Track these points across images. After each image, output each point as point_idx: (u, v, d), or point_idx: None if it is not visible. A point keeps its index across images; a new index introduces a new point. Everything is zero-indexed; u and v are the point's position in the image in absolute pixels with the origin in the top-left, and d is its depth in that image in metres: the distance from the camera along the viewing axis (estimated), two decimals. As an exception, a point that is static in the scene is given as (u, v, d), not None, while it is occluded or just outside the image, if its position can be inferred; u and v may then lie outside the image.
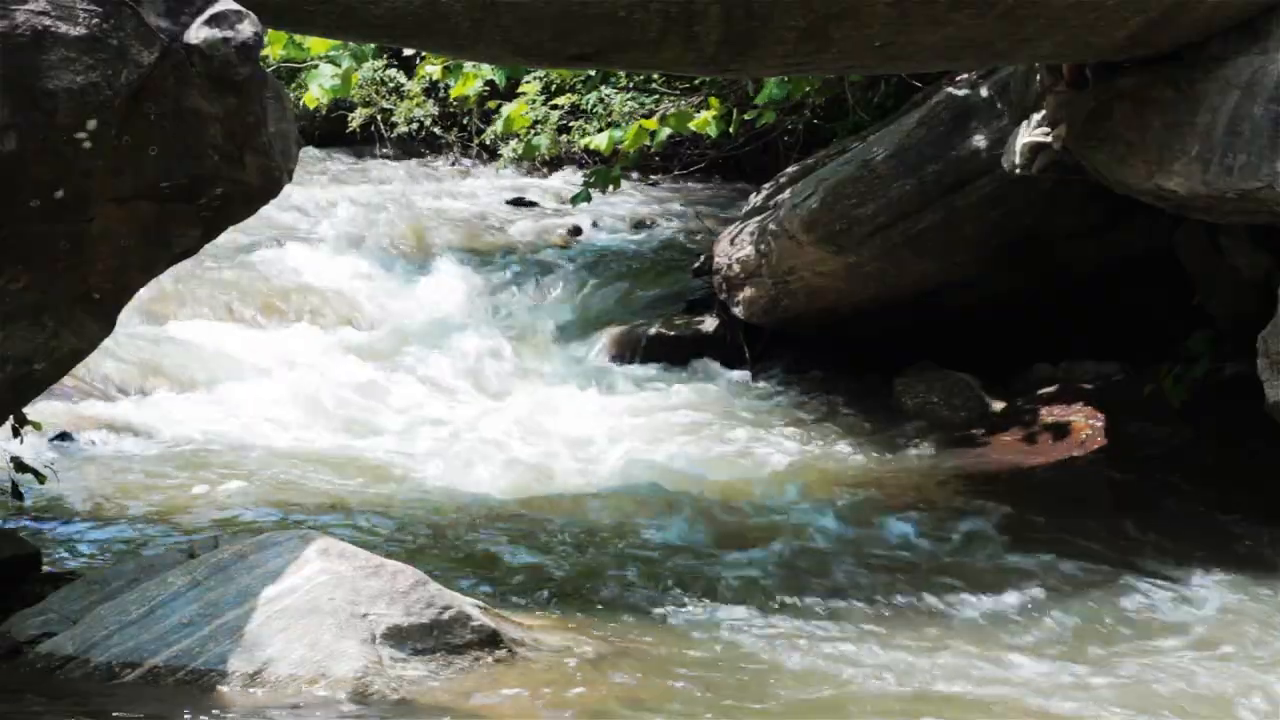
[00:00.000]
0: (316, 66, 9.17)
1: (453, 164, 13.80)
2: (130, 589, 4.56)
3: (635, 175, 12.45)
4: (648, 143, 9.51)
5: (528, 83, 10.63)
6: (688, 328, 9.12)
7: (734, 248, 8.69)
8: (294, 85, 11.39)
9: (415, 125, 13.77)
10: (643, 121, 9.43)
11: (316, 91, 9.13)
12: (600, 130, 11.44)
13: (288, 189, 4.87)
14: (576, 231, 11.12)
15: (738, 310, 8.74)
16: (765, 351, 8.84)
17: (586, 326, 9.39)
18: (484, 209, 11.80)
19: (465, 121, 13.74)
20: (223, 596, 4.42)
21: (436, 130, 13.86)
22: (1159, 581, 5.65)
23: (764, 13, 5.18)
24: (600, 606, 5.22)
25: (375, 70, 13.38)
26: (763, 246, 8.44)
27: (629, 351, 8.97)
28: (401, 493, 6.55)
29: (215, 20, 4.39)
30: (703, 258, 9.48)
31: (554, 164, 12.98)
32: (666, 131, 9.51)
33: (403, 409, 8.02)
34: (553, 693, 4.40)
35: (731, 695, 4.45)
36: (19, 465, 5.87)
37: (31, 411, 5.62)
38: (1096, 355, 7.97)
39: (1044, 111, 6.64)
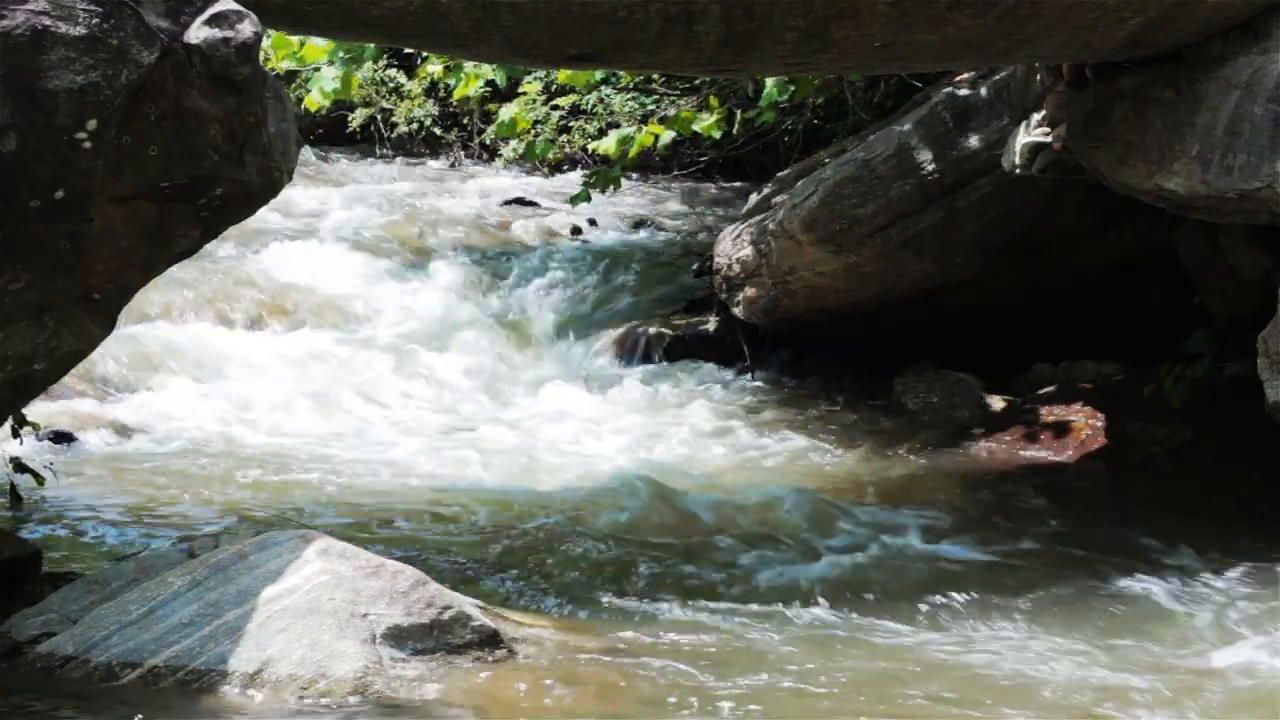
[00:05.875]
0: (318, 68, 9.17)
1: (453, 164, 13.81)
2: (130, 589, 4.56)
3: (635, 175, 12.45)
4: (650, 145, 9.53)
5: (528, 83, 10.64)
6: (688, 328, 9.12)
7: (734, 248, 8.69)
8: (294, 86, 11.40)
9: (415, 125, 13.78)
10: (651, 127, 9.43)
11: (318, 95, 9.13)
12: (601, 130, 11.45)
13: (287, 189, 4.87)
14: (576, 231, 11.13)
15: (738, 310, 8.74)
16: (765, 351, 8.84)
17: (586, 326, 9.39)
18: (484, 209, 11.80)
19: (465, 121, 13.75)
20: (223, 596, 4.42)
21: (436, 130, 13.87)
22: (1159, 582, 5.65)
23: (764, 13, 5.18)
24: (600, 606, 5.22)
25: (375, 70, 13.40)
26: (763, 246, 8.45)
27: (629, 351, 8.98)
28: (401, 492, 6.55)
29: (215, 20, 4.39)
30: (703, 258, 9.48)
31: (554, 164, 12.99)
32: (670, 134, 9.52)
33: (402, 409, 8.02)
34: (553, 693, 4.40)
35: (732, 695, 4.45)
36: (19, 466, 5.88)
37: (31, 411, 5.63)
38: (1096, 355, 7.97)
39: (1044, 111, 6.64)
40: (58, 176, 4.25)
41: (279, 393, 7.94)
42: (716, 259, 8.88)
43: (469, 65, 9.43)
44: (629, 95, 12.04)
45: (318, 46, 8.81)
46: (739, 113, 9.79)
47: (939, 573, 5.75)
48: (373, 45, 9.18)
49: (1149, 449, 7.18)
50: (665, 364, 8.83)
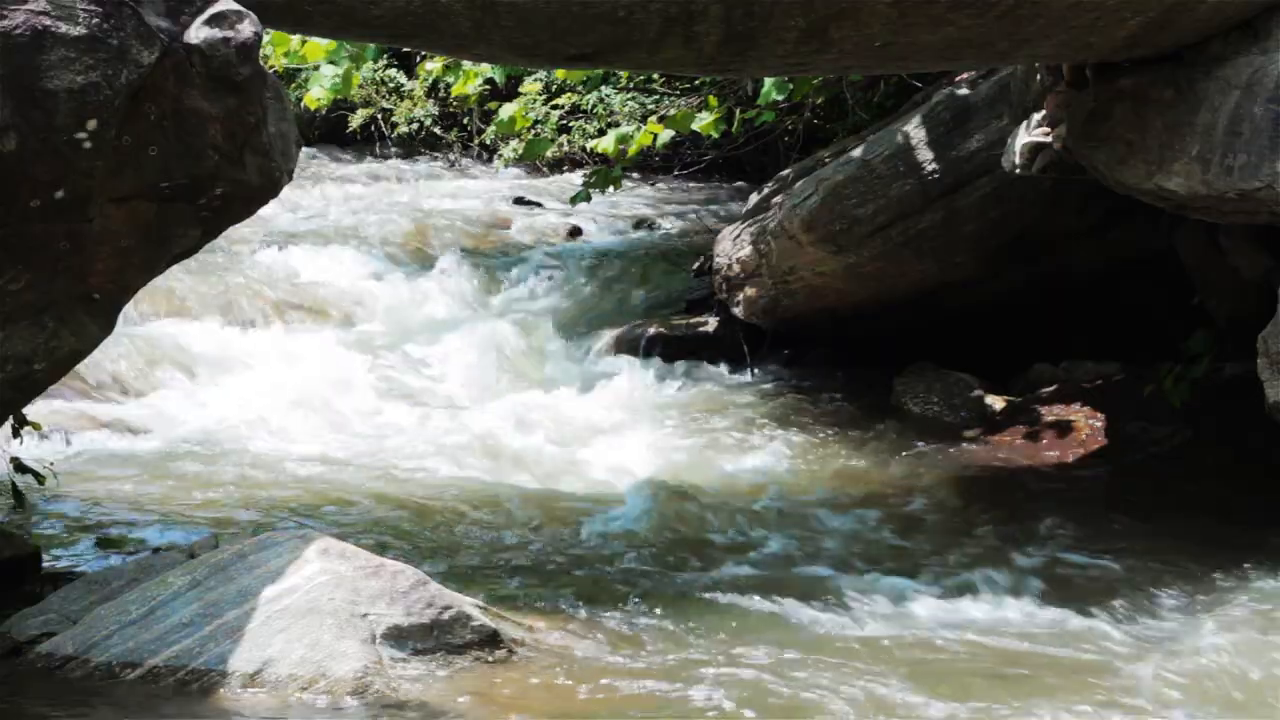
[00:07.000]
0: (318, 68, 9.18)
1: (453, 164, 13.81)
2: (130, 589, 4.56)
3: (635, 175, 12.45)
4: (650, 144, 9.53)
5: (529, 83, 10.64)
6: (688, 328, 9.12)
7: (734, 248, 8.69)
8: (294, 86, 11.40)
9: (415, 125, 13.78)
10: (650, 125, 9.43)
11: (318, 93, 9.14)
12: (601, 130, 11.45)
13: (287, 189, 4.88)
14: (576, 231, 11.13)
15: (738, 310, 8.74)
16: (765, 351, 8.84)
17: (586, 326, 9.39)
18: (484, 209, 11.81)
19: (465, 121, 13.75)
20: (223, 596, 4.42)
21: (436, 130, 13.87)
22: (1158, 582, 5.65)
23: (764, 13, 5.18)
24: (600, 606, 5.22)
25: (375, 70, 13.40)
26: (763, 246, 8.45)
27: (629, 351, 8.97)
28: (402, 492, 6.55)
29: (215, 20, 4.40)
30: (703, 258, 9.48)
31: (554, 164, 13.00)
32: (669, 133, 9.52)
33: (401, 408, 8.01)
34: (552, 693, 4.40)
35: (731, 696, 4.45)
36: (19, 466, 5.88)
37: (32, 411, 5.63)
38: (1096, 355, 7.97)
39: (1044, 111, 6.64)
40: (58, 176, 4.26)
41: (279, 392, 7.93)
42: (716, 259, 8.88)
43: (468, 63, 9.43)
44: (629, 95, 12.05)
45: (319, 45, 8.82)
46: (738, 112, 9.79)
47: (939, 573, 5.75)
48: (373, 45, 9.19)
49: (1149, 449, 7.18)
50: (665, 364, 8.83)
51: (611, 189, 9.65)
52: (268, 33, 5.39)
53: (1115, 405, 7.50)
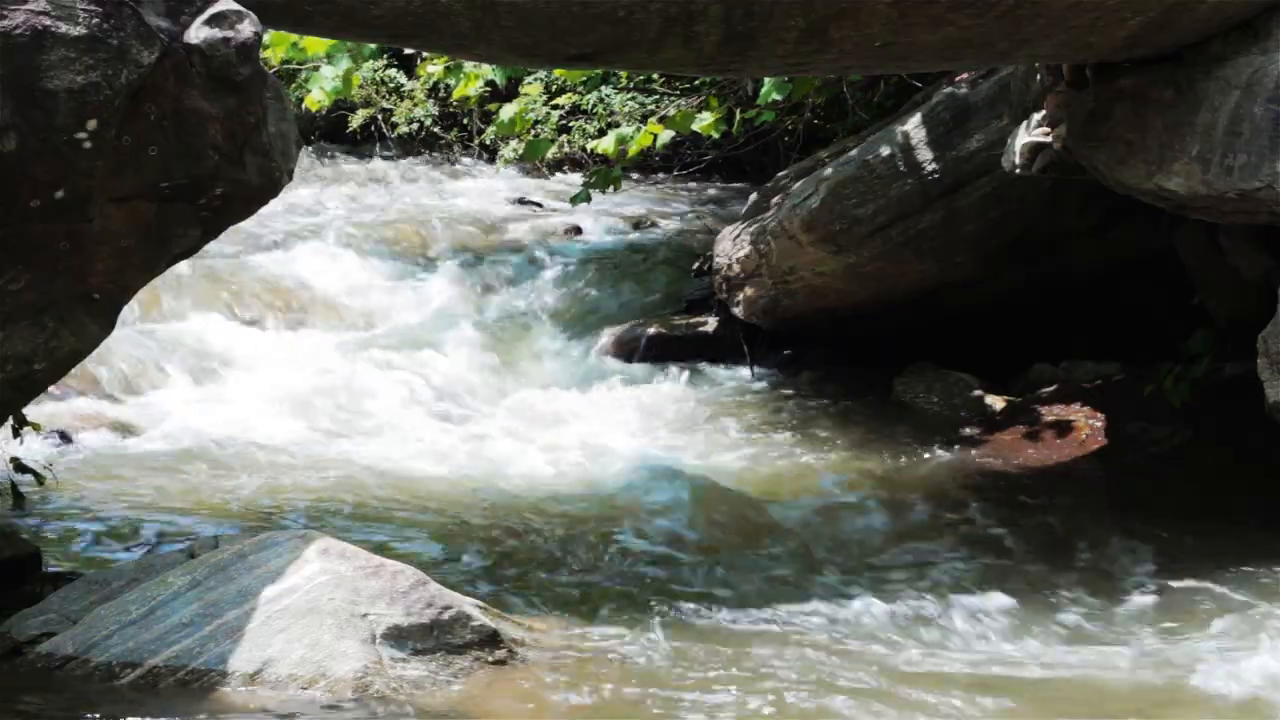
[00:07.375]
0: (318, 68, 9.17)
1: (453, 164, 13.81)
2: (130, 589, 4.56)
3: (635, 175, 12.45)
4: (650, 144, 9.53)
5: (529, 83, 10.64)
6: (688, 328, 9.12)
7: (734, 248, 8.69)
8: (294, 86, 11.40)
9: (415, 125, 13.78)
10: (650, 126, 9.43)
11: (318, 94, 9.14)
12: (601, 130, 11.45)
13: (287, 189, 4.88)
14: (576, 231, 11.12)
15: (738, 310, 8.74)
16: (765, 351, 8.84)
17: (586, 326, 9.39)
18: (484, 209, 11.80)
19: (465, 121, 13.75)
20: (223, 596, 4.42)
21: (437, 130, 13.87)
22: (1159, 583, 5.65)
23: (764, 13, 5.18)
24: (600, 606, 5.22)
25: (375, 70, 13.40)
26: (763, 246, 8.44)
27: (629, 351, 8.97)
28: (401, 492, 6.55)
29: (215, 20, 4.40)
30: (703, 258, 9.48)
31: (554, 164, 12.99)
32: (669, 133, 9.52)
33: (402, 409, 8.01)
34: (553, 693, 4.40)
35: (730, 696, 4.45)
36: (19, 466, 5.88)
37: (31, 411, 5.63)
38: (1096, 355, 7.97)
39: (1044, 111, 6.64)
40: (58, 176, 4.26)
41: (279, 393, 7.93)
42: (716, 259, 8.88)
43: (469, 65, 9.43)
44: (629, 95, 12.05)
45: (320, 39, 8.81)
46: (738, 112, 9.79)
47: (938, 573, 5.74)
48: (371, 45, 9.18)
49: (1149, 449, 7.18)
50: (665, 364, 8.82)
51: (611, 189, 9.64)
52: (268, 32, 5.39)
53: (1115, 405, 7.50)
